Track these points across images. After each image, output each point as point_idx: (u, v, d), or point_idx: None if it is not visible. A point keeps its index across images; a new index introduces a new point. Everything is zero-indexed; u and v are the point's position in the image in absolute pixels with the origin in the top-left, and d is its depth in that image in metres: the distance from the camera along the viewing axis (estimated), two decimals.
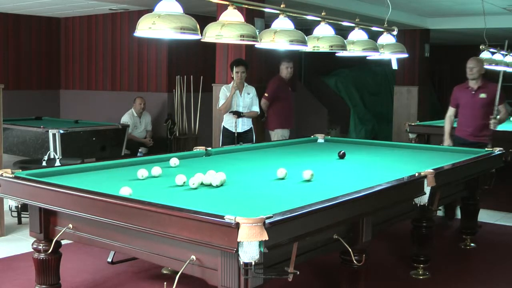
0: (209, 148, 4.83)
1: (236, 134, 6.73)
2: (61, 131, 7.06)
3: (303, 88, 12.26)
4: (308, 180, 3.66)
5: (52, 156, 6.58)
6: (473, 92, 6.21)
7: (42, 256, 3.45)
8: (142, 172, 3.64)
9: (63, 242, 3.54)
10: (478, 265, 4.92)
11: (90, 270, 4.49)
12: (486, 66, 7.69)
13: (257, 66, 7.27)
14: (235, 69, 6.65)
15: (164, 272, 4.36)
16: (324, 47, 4.22)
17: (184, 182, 3.39)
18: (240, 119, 6.73)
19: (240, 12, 3.49)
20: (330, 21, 4.33)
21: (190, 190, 3.31)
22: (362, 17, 5.76)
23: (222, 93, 6.73)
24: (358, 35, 4.72)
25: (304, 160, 4.64)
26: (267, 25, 4.12)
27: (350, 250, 3.14)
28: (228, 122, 6.78)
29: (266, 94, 7.26)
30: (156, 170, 3.73)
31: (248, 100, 6.81)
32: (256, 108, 6.91)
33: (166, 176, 3.69)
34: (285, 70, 7.37)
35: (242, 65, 6.70)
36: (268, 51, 6.48)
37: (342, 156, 4.69)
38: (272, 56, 7.54)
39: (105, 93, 10.35)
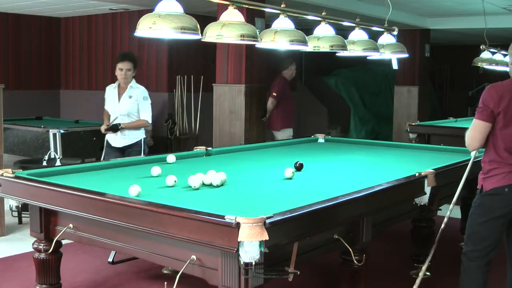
0: (210, 148, 4.82)
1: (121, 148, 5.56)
2: (62, 131, 7.06)
3: (303, 88, 12.26)
4: (290, 178, 3.68)
5: (52, 156, 6.59)
6: None
7: (42, 256, 3.45)
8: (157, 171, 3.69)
9: (64, 242, 3.54)
10: None
11: (90, 270, 4.49)
12: (486, 66, 7.70)
13: (257, 66, 7.25)
14: (118, 66, 5.48)
15: (165, 272, 4.36)
16: (324, 47, 4.23)
17: (175, 181, 3.37)
18: (119, 132, 5.49)
19: (241, 12, 3.49)
20: (330, 21, 4.33)
21: (190, 190, 3.31)
22: (363, 17, 5.76)
23: (105, 94, 5.76)
24: (358, 35, 4.72)
25: (304, 160, 4.63)
26: (268, 25, 4.12)
27: (350, 250, 3.14)
28: (109, 134, 5.60)
29: (274, 94, 7.28)
30: (156, 170, 3.73)
31: (127, 105, 5.46)
32: (144, 116, 5.48)
33: (166, 176, 3.68)
34: (294, 71, 7.54)
35: (128, 60, 5.54)
36: (268, 51, 6.47)
37: (299, 168, 4.00)
38: (272, 56, 7.55)
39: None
